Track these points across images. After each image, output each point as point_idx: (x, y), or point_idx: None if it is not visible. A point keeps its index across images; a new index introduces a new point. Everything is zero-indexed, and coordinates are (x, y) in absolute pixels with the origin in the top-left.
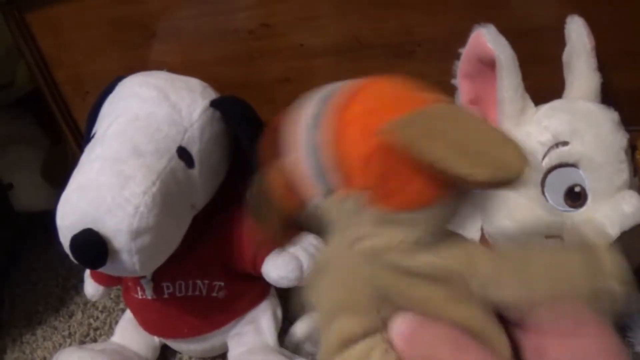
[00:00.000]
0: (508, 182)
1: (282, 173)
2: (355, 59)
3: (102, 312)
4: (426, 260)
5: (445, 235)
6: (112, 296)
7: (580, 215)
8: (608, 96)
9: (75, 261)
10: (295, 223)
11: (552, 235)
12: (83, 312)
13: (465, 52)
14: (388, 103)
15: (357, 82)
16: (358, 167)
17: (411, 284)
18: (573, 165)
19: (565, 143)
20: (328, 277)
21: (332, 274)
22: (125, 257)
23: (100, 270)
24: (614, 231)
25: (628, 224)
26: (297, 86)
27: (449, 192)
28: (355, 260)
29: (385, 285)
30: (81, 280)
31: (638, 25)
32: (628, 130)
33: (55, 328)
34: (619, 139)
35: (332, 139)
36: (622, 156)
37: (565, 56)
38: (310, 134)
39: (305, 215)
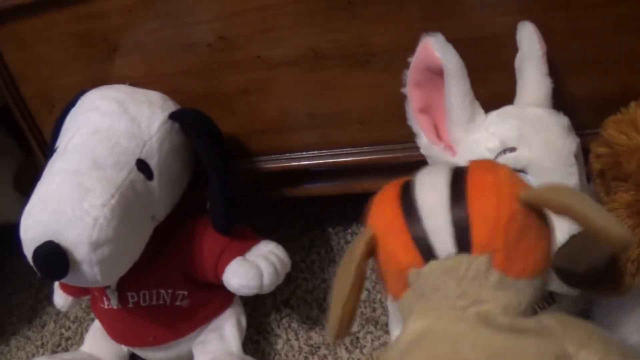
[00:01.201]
0: (626, 246)
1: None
2: (312, 69)
3: (73, 322)
4: (528, 322)
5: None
6: (83, 306)
7: None
8: (563, 101)
9: (38, 273)
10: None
11: None
12: (55, 322)
13: (414, 61)
14: (509, 179)
15: (478, 162)
16: (483, 229)
17: (520, 342)
18: (522, 170)
19: (512, 149)
20: (427, 347)
21: (431, 344)
22: (86, 268)
23: (63, 281)
24: (562, 236)
25: (576, 227)
26: (256, 97)
27: (548, 268)
28: (469, 324)
29: (497, 345)
30: (53, 292)
31: (593, 31)
32: (583, 135)
33: (29, 338)
34: (569, 144)
35: (461, 203)
36: (572, 160)
37: (516, 62)
38: (437, 200)
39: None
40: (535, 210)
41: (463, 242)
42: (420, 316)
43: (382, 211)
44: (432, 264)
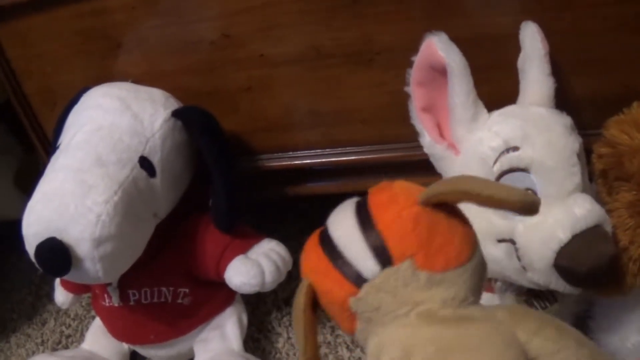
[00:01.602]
0: (534, 207)
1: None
2: (314, 67)
3: (74, 319)
4: (473, 310)
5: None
6: (83, 304)
7: (532, 219)
8: (566, 101)
9: (40, 269)
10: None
11: (504, 239)
12: (56, 320)
13: (417, 60)
14: (405, 189)
15: (374, 187)
16: (397, 238)
17: (465, 328)
18: (524, 169)
19: (515, 148)
20: (392, 349)
21: (395, 346)
22: (88, 264)
23: (65, 277)
24: (565, 235)
25: (579, 227)
26: (258, 95)
27: (477, 250)
28: (413, 325)
29: (443, 336)
30: (54, 289)
31: (595, 31)
32: (586, 135)
33: (29, 335)
34: (571, 143)
35: (368, 224)
36: (574, 160)
37: (519, 62)
38: (347, 230)
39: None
40: (440, 206)
41: (383, 257)
42: (373, 336)
43: (309, 259)
44: (365, 287)
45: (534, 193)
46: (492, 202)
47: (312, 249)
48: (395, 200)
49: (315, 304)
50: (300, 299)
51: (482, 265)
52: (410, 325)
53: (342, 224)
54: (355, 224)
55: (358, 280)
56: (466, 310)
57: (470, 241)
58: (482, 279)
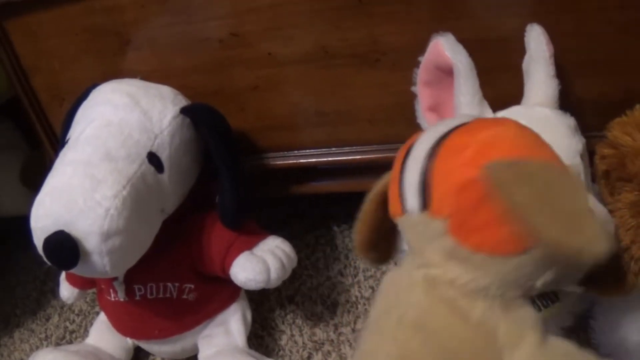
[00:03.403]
0: (584, 263)
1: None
2: (322, 67)
3: (78, 315)
4: (482, 311)
5: (510, 298)
6: (87, 300)
7: None
8: (570, 103)
9: (48, 262)
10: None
11: None
12: (60, 315)
13: (424, 60)
14: (492, 141)
15: (476, 121)
16: (442, 192)
17: (453, 323)
18: None
19: None
20: (385, 293)
21: (389, 292)
22: (96, 258)
23: (72, 271)
24: None
25: None
26: (266, 94)
27: (529, 254)
28: (413, 283)
29: (428, 314)
30: (58, 284)
31: (600, 34)
32: (589, 137)
33: (33, 331)
34: (574, 144)
35: (430, 163)
36: (577, 160)
37: (524, 63)
38: (419, 155)
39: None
40: None
41: (425, 200)
42: (402, 263)
43: (397, 158)
44: (404, 217)
45: None
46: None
47: (403, 149)
48: (464, 152)
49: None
50: (376, 186)
51: (534, 271)
52: (413, 279)
53: (424, 142)
54: (426, 151)
55: (403, 205)
56: (472, 303)
57: (524, 239)
58: (523, 282)
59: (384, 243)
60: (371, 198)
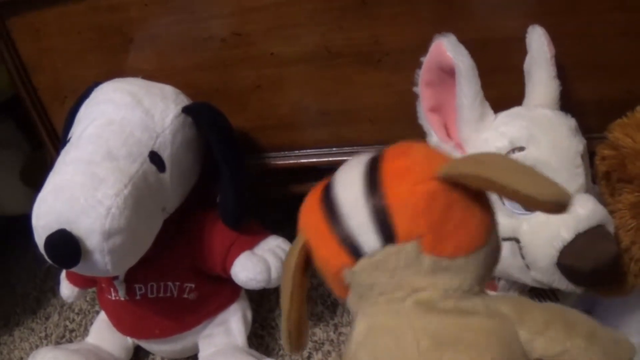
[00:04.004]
0: (563, 207)
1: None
2: (324, 67)
3: (78, 314)
4: (475, 303)
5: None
6: (87, 299)
7: (536, 218)
8: (570, 104)
9: (49, 261)
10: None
11: (509, 237)
12: (59, 314)
13: (426, 60)
14: (424, 158)
15: (385, 150)
16: (404, 216)
17: (465, 323)
18: None
19: (521, 148)
20: (374, 344)
21: (379, 341)
22: (97, 257)
23: (74, 270)
24: (568, 234)
25: (582, 226)
26: (268, 93)
27: (492, 238)
28: (408, 313)
29: (440, 329)
30: (58, 283)
31: (601, 36)
32: (589, 138)
33: (32, 329)
34: (575, 144)
35: (377, 194)
36: (578, 161)
37: (525, 65)
38: (354, 195)
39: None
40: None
41: (386, 234)
42: (363, 316)
43: (308, 216)
44: (362, 262)
45: None
46: (518, 198)
47: (312, 205)
48: (411, 170)
49: (307, 264)
50: (292, 258)
51: (495, 251)
52: (404, 312)
53: (348, 186)
54: (362, 189)
55: (356, 252)
56: (469, 302)
57: (487, 225)
58: (493, 266)
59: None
60: (293, 275)
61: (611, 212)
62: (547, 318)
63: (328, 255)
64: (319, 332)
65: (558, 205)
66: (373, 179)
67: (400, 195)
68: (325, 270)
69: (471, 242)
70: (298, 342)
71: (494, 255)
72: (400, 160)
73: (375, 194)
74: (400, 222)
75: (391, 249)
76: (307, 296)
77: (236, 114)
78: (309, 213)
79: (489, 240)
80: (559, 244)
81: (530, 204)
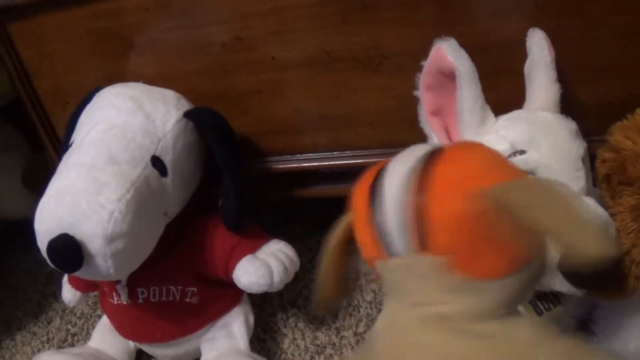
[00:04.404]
0: (605, 261)
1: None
2: (325, 71)
3: (80, 318)
4: (493, 327)
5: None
6: (89, 303)
7: None
8: (571, 108)
9: (52, 265)
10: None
11: None
12: (61, 318)
13: (427, 64)
14: (481, 171)
15: (447, 147)
16: (443, 229)
17: (476, 347)
18: (530, 172)
19: (522, 152)
20: (387, 340)
21: (391, 339)
22: (99, 261)
23: (76, 274)
24: None
25: None
26: (269, 98)
27: (522, 268)
28: (414, 325)
29: (447, 348)
30: (60, 287)
31: (600, 38)
32: (590, 141)
33: (34, 333)
34: (576, 148)
35: (421, 199)
36: (579, 164)
37: (526, 68)
38: (399, 192)
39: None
40: None
41: (423, 241)
42: (387, 309)
43: (357, 196)
44: (395, 260)
45: None
46: (562, 247)
47: (363, 186)
48: (463, 185)
49: (351, 241)
50: (335, 233)
51: (531, 280)
52: (419, 321)
53: (396, 180)
54: (408, 187)
55: (388, 250)
56: (486, 326)
57: (523, 253)
58: (525, 293)
59: (344, 283)
60: (332, 248)
61: (612, 215)
62: (568, 349)
63: (364, 242)
64: (321, 336)
65: (601, 261)
66: (422, 180)
67: (444, 207)
68: (362, 253)
69: (503, 267)
70: (331, 302)
71: (529, 283)
72: (456, 168)
73: (419, 197)
74: (437, 235)
75: (421, 257)
76: (344, 272)
77: (237, 119)
78: (359, 193)
79: (525, 268)
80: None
81: (575, 257)
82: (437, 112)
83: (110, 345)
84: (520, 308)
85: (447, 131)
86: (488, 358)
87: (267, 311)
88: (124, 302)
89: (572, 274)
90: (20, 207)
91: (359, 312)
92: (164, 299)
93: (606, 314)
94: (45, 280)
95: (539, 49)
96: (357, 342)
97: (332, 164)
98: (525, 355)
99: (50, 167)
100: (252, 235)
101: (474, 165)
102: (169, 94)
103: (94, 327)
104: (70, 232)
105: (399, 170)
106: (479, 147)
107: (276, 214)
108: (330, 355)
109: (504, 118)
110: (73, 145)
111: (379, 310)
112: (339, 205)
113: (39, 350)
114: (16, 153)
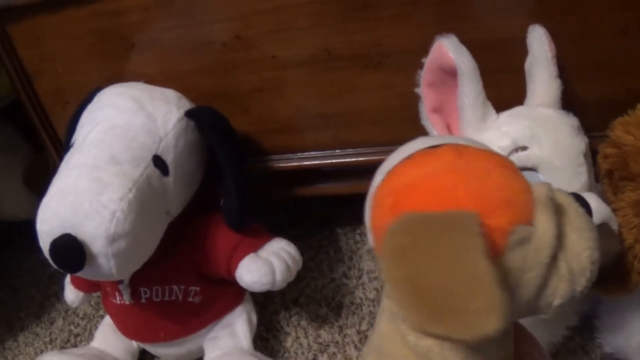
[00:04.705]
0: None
1: None
2: (325, 69)
3: (82, 318)
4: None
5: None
6: (92, 303)
7: None
8: (572, 104)
9: (54, 265)
10: None
11: None
12: (64, 319)
13: (428, 61)
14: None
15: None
16: (376, 237)
17: None
18: (532, 169)
19: (524, 148)
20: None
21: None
22: (102, 261)
23: (79, 274)
24: None
25: None
26: (270, 96)
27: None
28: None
29: None
30: (62, 287)
31: (602, 35)
32: (591, 137)
33: (37, 334)
34: (578, 143)
35: (372, 205)
36: (581, 160)
37: (527, 64)
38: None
39: None
40: None
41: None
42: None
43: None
44: None
45: None
46: None
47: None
48: (385, 198)
49: None
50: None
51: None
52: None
53: (377, 180)
54: (376, 191)
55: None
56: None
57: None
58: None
59: None
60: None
61: (614, 210)
62: None
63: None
64: (323, 334)
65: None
66: (387, 182)
67: (375, 217)
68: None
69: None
70: None
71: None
72: (387, 183)
73: (373, 199)
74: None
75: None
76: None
77: (238, 117)
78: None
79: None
80: None
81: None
82: (438, 109)
83: (113, 346)
84: None
85: (448, 128)
86: None
87: (270, 310)
88: (127, 302)
89: None
90: (22, 208)
91: (361, 310)
92: (166, 298)
93: (609, 309)
94: (48, 280)
95: (539, 45)
96: (360, 340)
97: (333, 162)
98: None
99: (51, 168)
100: (254, 234)
101: (403, 181)
102: (170, 93)
103: (96, 328)
104: (73, 232)
105: (384, 167)
106: (443, 155)
107: (278, 212)
108: (334, 354)
109: (505, 114)
110: (74, 146)
111: None
112: (339, 203)
113: (41, 351)
114: (17, 154)
